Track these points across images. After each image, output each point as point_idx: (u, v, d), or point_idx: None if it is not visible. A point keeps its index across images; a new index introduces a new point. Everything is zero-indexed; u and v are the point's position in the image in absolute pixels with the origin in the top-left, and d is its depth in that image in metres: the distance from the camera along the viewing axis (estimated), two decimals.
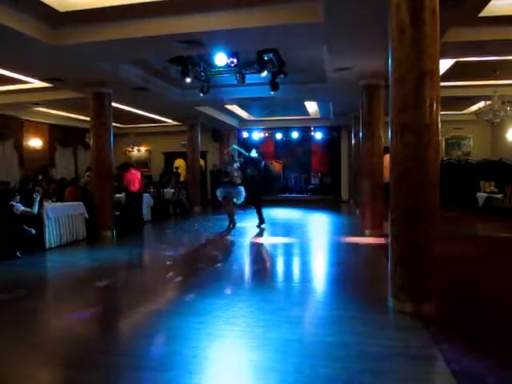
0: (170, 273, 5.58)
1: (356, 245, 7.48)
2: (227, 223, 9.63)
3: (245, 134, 17.48)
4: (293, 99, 11.45)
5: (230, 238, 8.56)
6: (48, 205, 7.30)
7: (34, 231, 6.70)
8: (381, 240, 7.41)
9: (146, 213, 10.83)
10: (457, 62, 8.09)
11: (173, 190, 12.62)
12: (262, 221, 9.51)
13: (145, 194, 11.04)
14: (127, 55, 7.01)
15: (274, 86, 8.57)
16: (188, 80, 7.94)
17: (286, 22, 5.37)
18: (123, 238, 8.54)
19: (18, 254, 6.44)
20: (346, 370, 2.75)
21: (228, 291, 4.65)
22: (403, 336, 3.29)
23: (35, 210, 6.78)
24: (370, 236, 8.08)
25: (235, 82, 8.65)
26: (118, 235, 8.63)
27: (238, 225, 9.65)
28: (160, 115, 14.26)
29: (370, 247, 7.21)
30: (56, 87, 9.05)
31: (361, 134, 8.59)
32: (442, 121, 4.08)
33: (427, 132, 3.68)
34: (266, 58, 7.33)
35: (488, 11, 5.51)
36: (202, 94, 9.01)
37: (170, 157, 18.00)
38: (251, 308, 4.06)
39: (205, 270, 5.83)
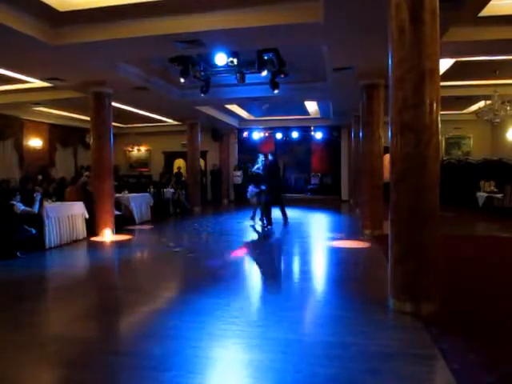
0: (170, 272, 5.57)
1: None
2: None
3: (245, 134, 17.49)
4: (293, 99, 11.45)
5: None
6: (48, 205, 7.29)
7: (34, 231, 6.70)
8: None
9: (146, 213, 10.84)
10: (457, 62, 8.08)
11: (173, 190, 12.62)
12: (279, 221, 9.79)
13: (144, 194, 11.10)
14: (127, 55, 7.00)
15: (274, 85, 8.57)
16: (185, 79, 7.95)
17: (286, 21, 5.36)
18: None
19: (17, 254, 6.44)
20: (346, 370, 2.75)
21: (227, 290, 4.65)
22: (403, 336, 3.29)
23: (36, 209, 6.79)
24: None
25: (235, 82, 8.66)
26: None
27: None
28: (160, 115, 14.25)
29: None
30: (56, 87, 9.05)
31: (361, 133, 8.59)
32: (442, 121, 4.08)
33: (427, 132, 3.68)
34: (265, 58, 7.34)
35: (488, 11, 5.52)
36: (202, 94, 9.02)
37: (170, 157, 17.99)
38: (251, 308, 4.06)
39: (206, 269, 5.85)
